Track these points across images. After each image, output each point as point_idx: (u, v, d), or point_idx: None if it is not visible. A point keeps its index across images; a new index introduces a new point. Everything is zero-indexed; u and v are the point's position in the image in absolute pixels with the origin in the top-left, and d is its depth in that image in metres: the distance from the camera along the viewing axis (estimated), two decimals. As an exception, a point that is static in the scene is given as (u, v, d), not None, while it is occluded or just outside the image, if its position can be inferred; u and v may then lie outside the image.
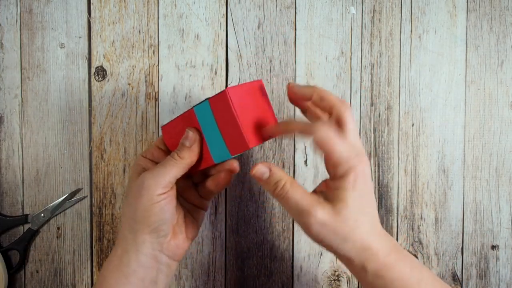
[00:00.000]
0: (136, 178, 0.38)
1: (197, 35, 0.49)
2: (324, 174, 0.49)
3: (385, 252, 0.35)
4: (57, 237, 0.48)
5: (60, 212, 0.48)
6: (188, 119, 0.39)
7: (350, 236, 0.34)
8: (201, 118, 0.38)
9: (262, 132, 0.36)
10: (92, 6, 0.48)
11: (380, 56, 0.50)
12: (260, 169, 0.35)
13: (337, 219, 0.33)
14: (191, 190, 0.42)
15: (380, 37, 0.50)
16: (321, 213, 0.33)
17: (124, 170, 0.48)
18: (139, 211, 0.36)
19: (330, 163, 0.34)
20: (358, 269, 0.35)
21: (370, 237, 0.35)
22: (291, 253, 0.50)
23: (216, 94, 0.36)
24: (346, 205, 0.33)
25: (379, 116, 0.50)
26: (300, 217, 0.34)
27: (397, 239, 0.50)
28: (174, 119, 0.41)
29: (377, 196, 0.50)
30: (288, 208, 0.35)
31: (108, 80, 0.48)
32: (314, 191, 0.37)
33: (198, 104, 0.38)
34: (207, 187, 0.41)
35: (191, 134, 0.38)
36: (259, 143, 0.36)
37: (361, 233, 0.34)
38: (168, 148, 0.42)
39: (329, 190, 0.35)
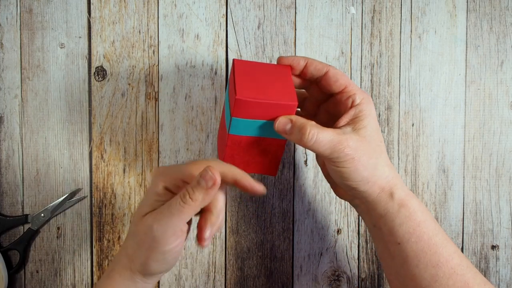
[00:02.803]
0: (140, 220, 0.34)
1: (197, 35, 0.49)
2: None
3: (403, 182, 0.37)
4: (57, 237, 0.48)
5: (60, 212, 0.48)
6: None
7: (379, 161, 0.36)
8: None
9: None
10: (92, 6, 0.48)
11: (380, 56, 0.50)
12: (282, 121, 0.35)
13: (364, 143, 0.35)
14: None
15: (380, 37, 0.50)
16: (352, 142, 0.34)
17: (124, 170, 0.48)
18: (151, 261, 0.33)
19: (346, 95, 0.37)
20: (385, 198, 0.36)
21: (392, 165, 0.37)
22: (291, 253, 0.50)
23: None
24: (366, 129, 0.35)
25: (379, 116, 0.50)
26: (335, 152, 0.34)
27: (397, 239, 0.50)
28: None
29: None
30: (321, 150, 0.34)
31: (108, 80, 0.48)
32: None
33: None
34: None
35: (210, 175, 0.32)
36: (253, 99, 0.34)
37: (386, 159, 0.36)
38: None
39: (348, 124, 0.36)
